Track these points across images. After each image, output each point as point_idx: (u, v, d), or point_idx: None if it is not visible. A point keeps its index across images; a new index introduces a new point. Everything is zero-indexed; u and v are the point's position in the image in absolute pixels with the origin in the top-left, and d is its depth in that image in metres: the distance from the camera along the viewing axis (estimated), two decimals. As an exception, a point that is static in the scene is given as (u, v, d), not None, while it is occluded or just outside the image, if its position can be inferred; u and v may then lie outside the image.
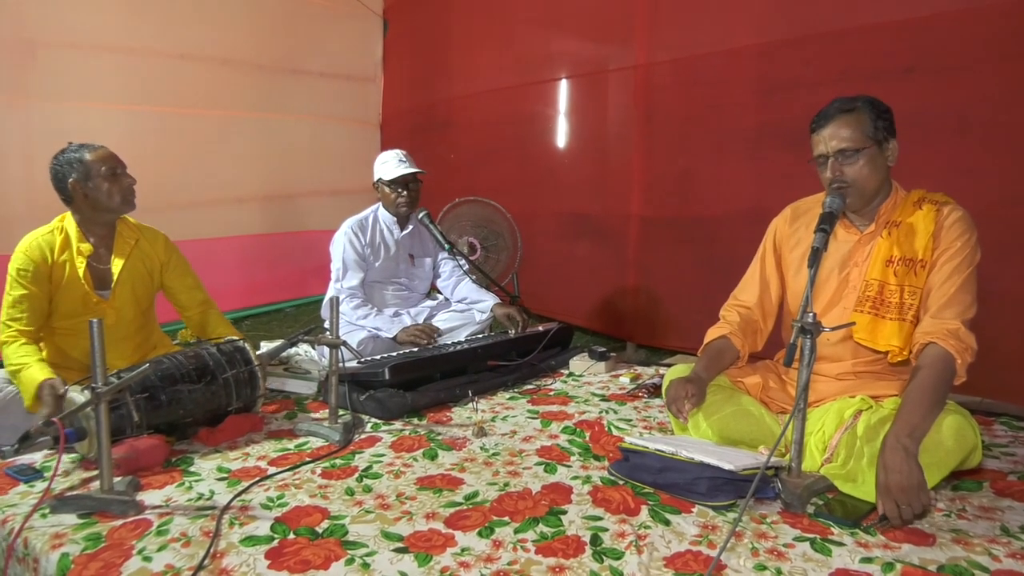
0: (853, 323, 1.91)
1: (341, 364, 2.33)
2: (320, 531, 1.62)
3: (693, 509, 1.73)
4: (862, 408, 1.93)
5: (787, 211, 2.22)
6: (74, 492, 1.80)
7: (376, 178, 3.25)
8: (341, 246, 3.19)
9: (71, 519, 1.65)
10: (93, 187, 2.30)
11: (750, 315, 2.20)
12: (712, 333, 2.21)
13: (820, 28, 3.03)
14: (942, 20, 2.68)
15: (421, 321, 3.22)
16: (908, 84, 2.76)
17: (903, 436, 1.66)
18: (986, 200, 2.50)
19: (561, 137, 4.36)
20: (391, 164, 3.20)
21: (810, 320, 1.68)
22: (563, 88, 4.29)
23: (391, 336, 3.05)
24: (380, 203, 3.33)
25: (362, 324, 3.09)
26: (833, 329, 1.83)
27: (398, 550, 1.54)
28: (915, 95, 2.71)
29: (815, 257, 1.76)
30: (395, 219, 3.31)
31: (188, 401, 2.15)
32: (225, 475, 1.94)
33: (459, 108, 5.01)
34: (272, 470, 1.96)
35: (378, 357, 2.83)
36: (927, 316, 1.85)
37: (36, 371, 2.11)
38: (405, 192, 3.20)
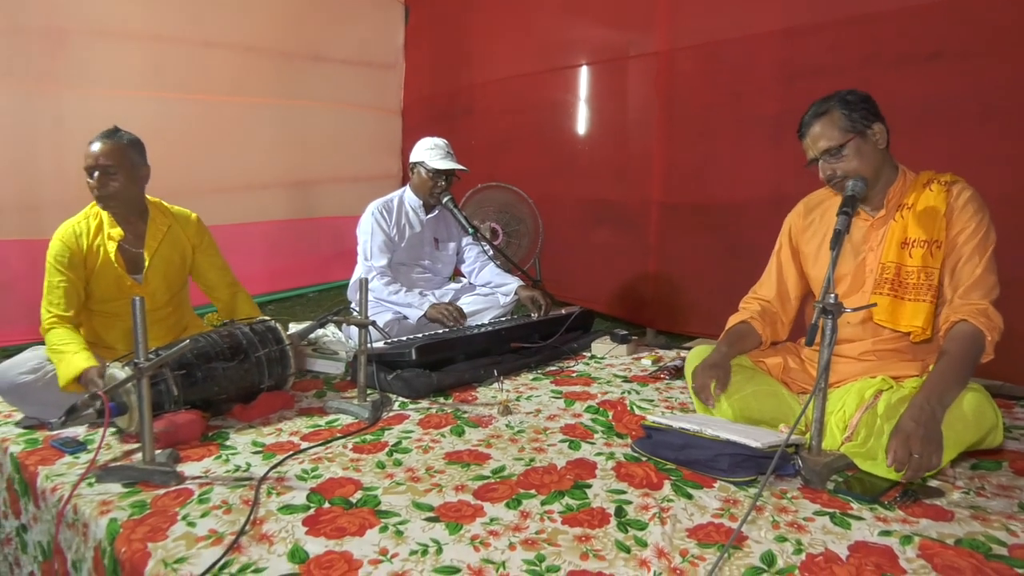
0: (875, 304, 1.94)
1: (369, 344, 2.38)
2: (354, 501, 1.68)
3: (715, 484, 1.77)
4: (883, 388, 1.96)
5: (799, 206, 2.27)
6: (117, 463, 1.87)
7: (417, 160, 3.29)
8: (369, 227, 3.25)
9: (116, 488, 1.72)
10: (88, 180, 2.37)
11: (770, 307, 2.25)
12: (734, 319, 2.27)
13: (844, 13, 3.02)
14: (968, 5, 2.67)
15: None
16: (932, 70, 2.75)
17: (933, 399, 1.70)
18: (1009, 187, 2.50)
19: (582, 124, 4.38)
20: (439, 153, 3.25)
21: (831, 301, 1.70)
22: (584, 75, 4.31)
23: (422, 312, 3.11)
24: (407, 186, 3.39)
25: (393, 299, 3.16)
26: (855, 310, 1.87)
27: (429, 519, 1.59)
28: (939, 81, 2.71)
29: (837, 239, 1.79)
30: (421, 203, 3.36)
31: (222, 378, 2.22)
32: (260, 449, 2.01)
33: (480, 95, 5.04)
34: (305, 445, 2.03)
35: (404, 338, 2.89)
36: (955, 297, 1.88)
37: (81, 359, 2.14)
38: (444, 183, 3.28)
